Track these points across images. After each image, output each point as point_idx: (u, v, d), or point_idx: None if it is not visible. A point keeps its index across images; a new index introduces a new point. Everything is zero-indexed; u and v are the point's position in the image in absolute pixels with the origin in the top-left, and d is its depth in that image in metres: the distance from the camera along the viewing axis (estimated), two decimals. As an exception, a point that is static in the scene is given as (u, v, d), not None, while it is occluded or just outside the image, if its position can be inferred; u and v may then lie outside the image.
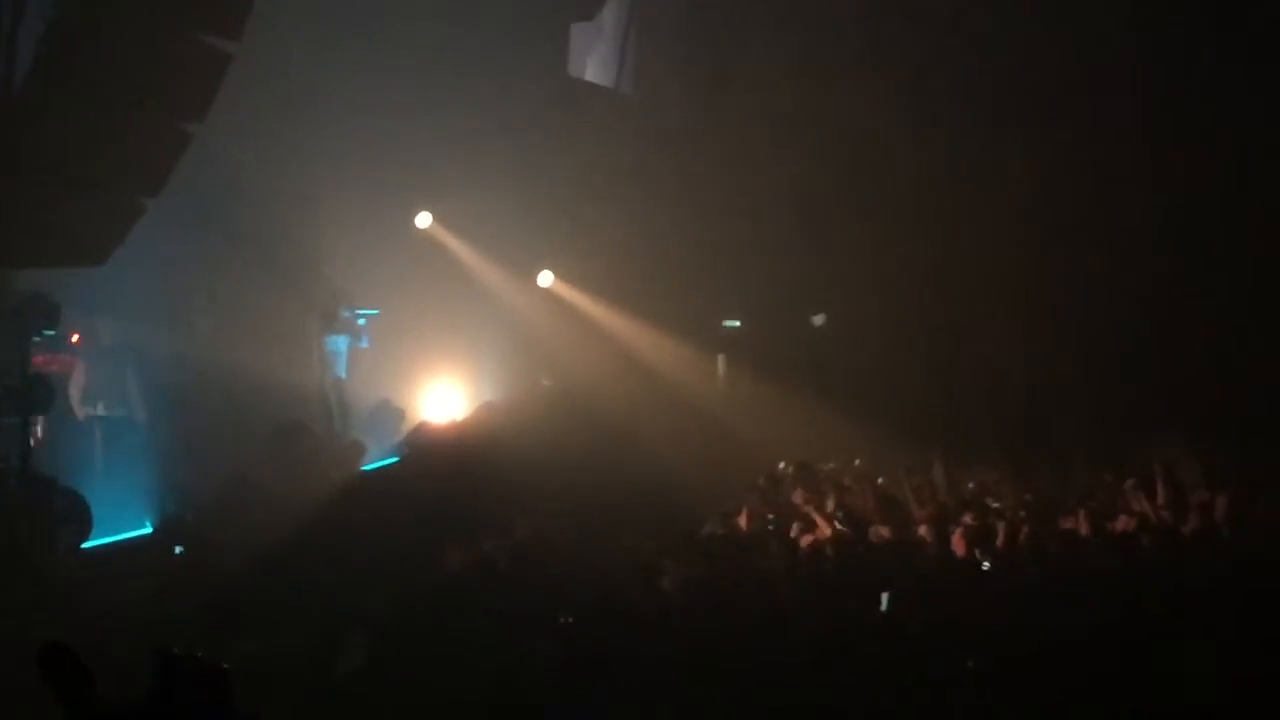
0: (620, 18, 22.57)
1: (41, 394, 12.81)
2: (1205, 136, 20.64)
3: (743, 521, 12.87)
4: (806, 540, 11.98)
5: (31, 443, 12.80)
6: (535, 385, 20.68)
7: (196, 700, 5.64)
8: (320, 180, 17.46)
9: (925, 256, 21.64)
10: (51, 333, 13.72)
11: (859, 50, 21.75)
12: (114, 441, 16.08)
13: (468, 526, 12.04)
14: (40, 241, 12.48)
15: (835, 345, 22.35)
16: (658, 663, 8.93)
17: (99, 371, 16.18)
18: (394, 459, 16.36)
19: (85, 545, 12.41)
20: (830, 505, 13.00)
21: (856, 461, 16.46)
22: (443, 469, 14.86)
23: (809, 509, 12.91)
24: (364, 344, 18.32)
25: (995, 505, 13.86)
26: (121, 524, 13.24)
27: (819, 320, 23.59)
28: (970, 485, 15.68)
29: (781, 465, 15.54)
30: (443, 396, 19.80)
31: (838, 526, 12.13)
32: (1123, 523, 12.36)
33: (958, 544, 11.53)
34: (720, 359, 23.14)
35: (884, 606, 10.09)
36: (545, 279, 21.18)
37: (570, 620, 9.64)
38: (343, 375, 17.94)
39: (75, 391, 15.97)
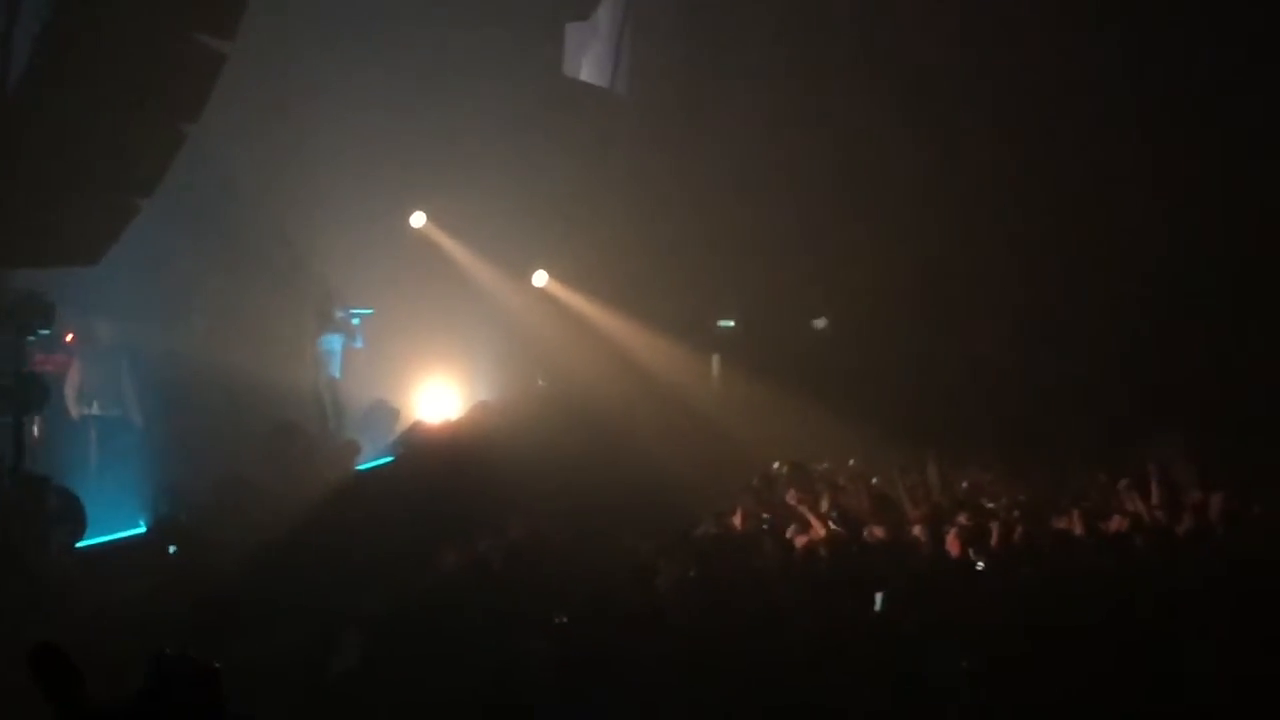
0: (616, 17, 22.56)
1: (36, 393, 12.81)
2: (1203, 137, 20.65)
3: (737, 521, 12.88)
4: (801, 540, 11.99)
5: (29, 441, 12.81)
6: (530, 385, 20.66)
7: (187, 700, 5.64)
8: (315, 180, 17.45)
9: (921, 257, 21.66)
10: (46, 332, 13.72)
11: (855, 50, 21.77)
12: (108, 441, 16.08)
13: (462, 526, 12.04)
14: (34, 241, 12.48)
15: (830, 345, 22.36)
16: (653, 663, 8.93)
17: (94, 371, 16.17)
18: (388, 459, 16.33)
19: (79, 545, 12.39)
20: (825, 505, 13.00)
21: (851, 461, 16.46)
22: (437, 469, 14.85)
23: (802, 509, 12.92)
24: (358, 344, 18.29)
25: (990, 505, 13.88)
26: (115, 523, 13.23)
27: (820, 324, 23.59)
28: (964, 485, 15.71)
29: (776, 465, 15.55)
30: (437, 396, 19.78)
31: (832, 526, 12.14)
32: (1116, 523, 12.39)
33: (952, 544, 11.54)
34: (715, 359, 23.12)
35: (878, 606, 10.10)
36: (540, 279, 21.17)
37: (565, 620, 9.65)
38: (337, 375, 17.90)
39: (71, 391, 15.97)
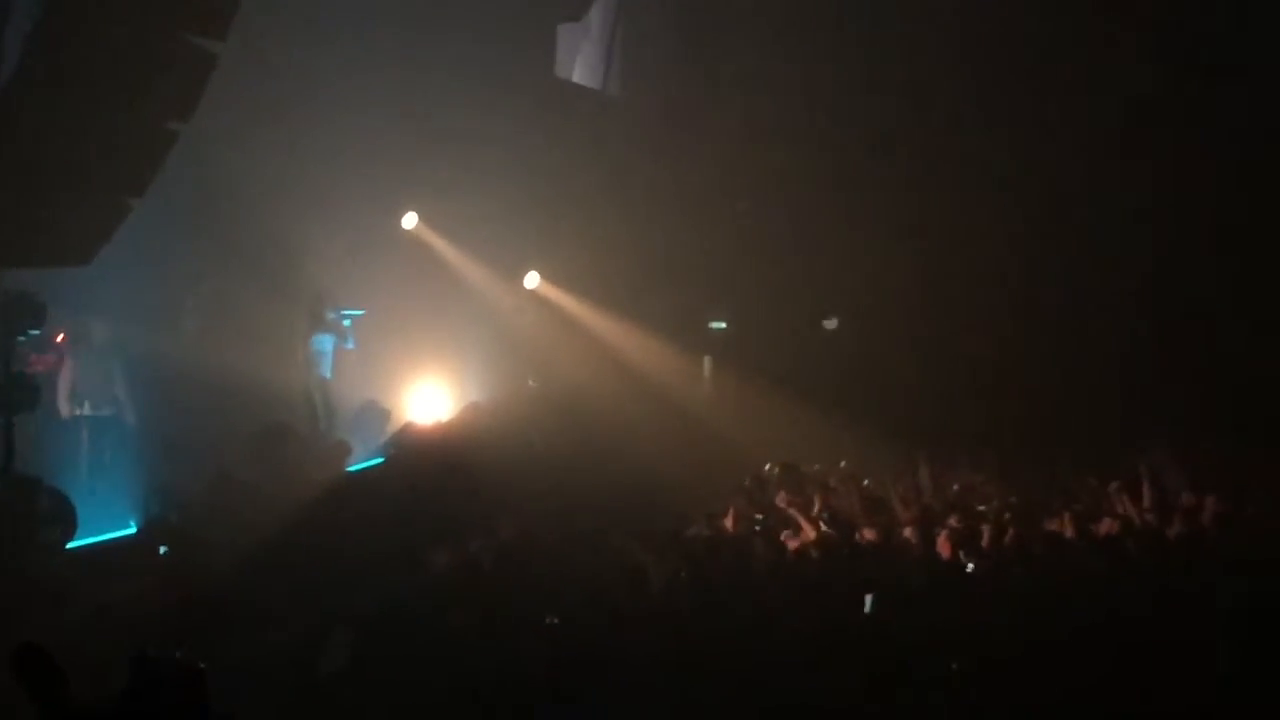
0: (607, 19, 22.58)
1: (26, 394, 12.78)
2: (1202, 139, 20.69)
3: (729, 523, 12.88)
4: (792, 542, 11.99)
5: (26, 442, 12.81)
6: (521, 386, 20.67)
7: (171, 701, 5.63)
8: (307, 180, 17.43)
9: (914, 259, 21.70)
10: (37, 332, 13.70)
11: (848, 50, 21.80)
12: (100, 441, 16.06)
13: (453, 527, 12.03)
14: (26, 240, 12.43)
15: (822, 347, 22.39)
16: (644, 663, 8.94)
17: (87, 371, 16.15)
18: (379, 460, 16.34)
19: (70, 545, 12.38)
20: (816, 507, 13.01)
21: (842, 463, 16.47)
22: (428, 470, 14.84)
23: (793, 511, 12.92)
24: (350, 345, 18.26)
25: (981, 508, 13.90)
26: (106, 524, 13.21)
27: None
28: (955, 487, 15.73)
29: (768, 467, 15.56)
30: (428, 397, 19.78)
31: (823, 528, 12.14)
32: (1107, 525, 12.40)
33: (943, 546, 11.55)
34: (706, 360, 23.16)
35: (868, 608, 10.11)
36: (532, 280, 21.17)
37: (556, 621, 9.65)
38: (328, 375, 17.88)
39: (63, 391, 15.94)
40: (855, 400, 19.98)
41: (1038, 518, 13.15)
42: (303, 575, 10.84)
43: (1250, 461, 15.51)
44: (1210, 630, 9.57)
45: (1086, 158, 21.41)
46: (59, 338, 16.00)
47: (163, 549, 12.20)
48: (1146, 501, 13.25)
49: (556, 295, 21.29)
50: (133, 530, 13.14)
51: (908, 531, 12.26)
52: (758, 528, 12.83)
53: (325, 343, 17.82)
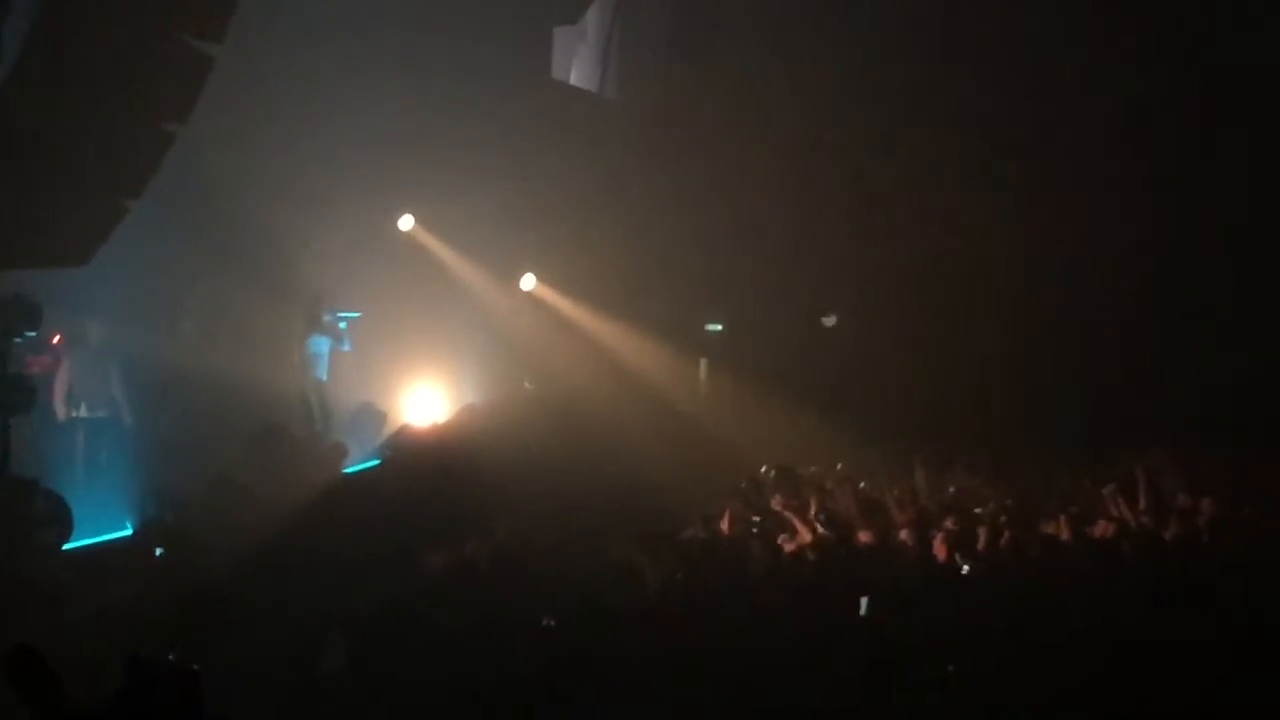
0: (604, 22, 22.61)
1: (22, 395, 12.78)
2: (1201, 140, 20.71)
3: (725, 525, 12.87)
4: (788, 545, 11.99)
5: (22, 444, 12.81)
6: (517, 388, 20.67)
7: (165, 702, 5.63)
8: (304, 182, 17.45)
9: (910, 260, 21.71)
10: (33, 334, 13.70)
11: (844, 51, 21.81)
12: (96, 442, 16.06)
13: (449, 529, 12.02)
14: (23, 241, 12.44)
15: (818, 349, 22.38)
16: (640, 665, 8.93)
17: (84, 372, 16.15)
18: (375, 461, 16.34)
19: (66, 547, 12.37)
20: (813, 509, 13.00)
21: (838, 465, 16.47)
22: (424, 471, 14.84)
23: (788, 513, 12.91)
24: (346, 347, 18.28)
25: (977, 510, 13.90)
26: (102, 526, 13.21)
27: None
28: (951, 490, 15.73)
29: (763, 469, 15.56)
30: (424, 399, 19.79)
31: (819, 530, 12.14)
32: (1102, 528, 12.41)
33: (939, 548, 11.55)
34: (703, 363, 23.16)
35: (864, 610, 10.11)
36: (528, 282, 21.17)
37: (552, 623, 9.64)
38: (324, 377, 17.89)
39: (59, 392, 15.94)
40: (851, 402, 19.99)
41: (1034, 520, 13.14)
42: (299, 576, 10.83)
43: (1248, 463, 15.50)
44: (1206, 632, 9.57)
45: (1084, 159, 21.42)
46: (55, 339, 16.00)
47: (159, 550, 12.19)
48: (1142, 504, 13.26)
49: (553, 297, 21.29)
50: (129, 532, 13.14)
51: (904, 534, 12.26)
52: (755, 530, 12.82)
53: (321, 345, 17.83)
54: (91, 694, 5.84)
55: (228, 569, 11.08)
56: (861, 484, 15.16)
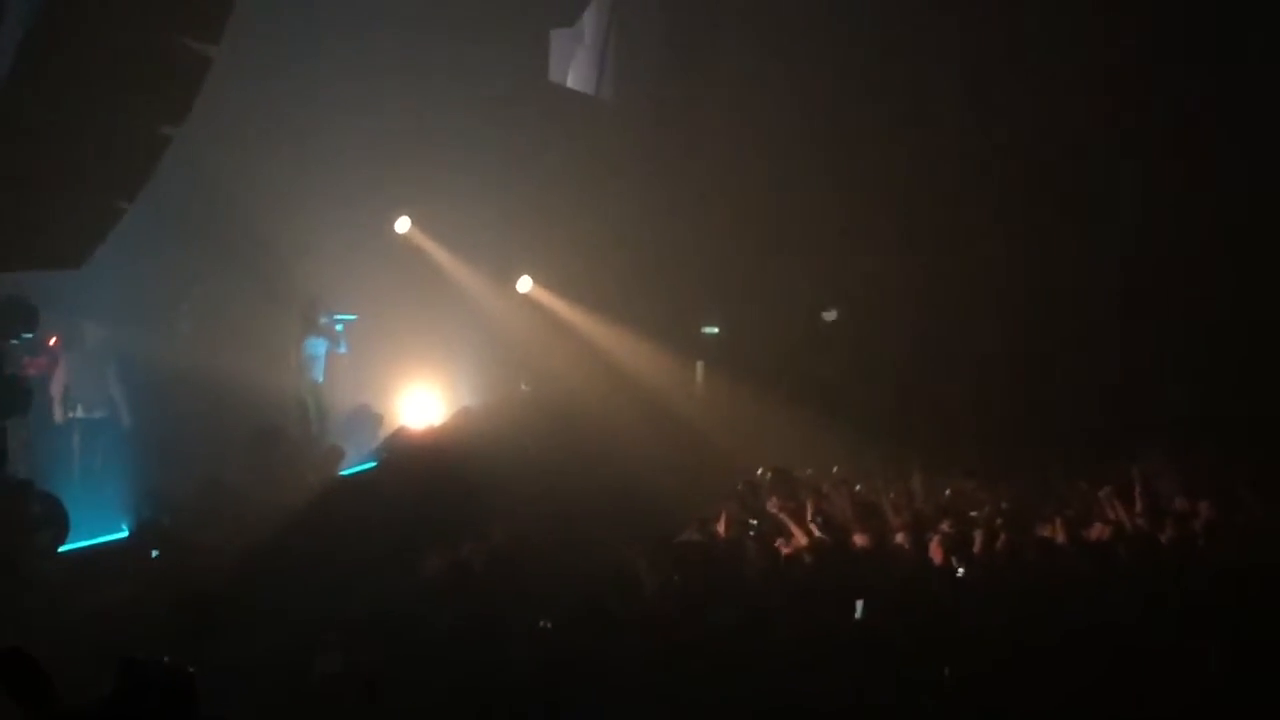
0: (601, 24, 22.61)
1: (18, 397, 12.78)
2: (1199, 143, 20.70)
3: (721, 527, 12.87)
4: (785, 548, 11.99)
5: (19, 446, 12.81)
6: (513, 391, 20.68)
7: (158, 705, 5.62)
8: (300, 185, 17.45)
9: (907, 262, 21.70)
10: (29, 335, 13.70)
11: (841, 52, 21.80)
12: (92, 444, 16.07)
13: (445, 531, 12.02)
14: (19, 243, 12.44)
15: (814, 352, 22.39)
16: (636, 667, 8.93)
17: (81, 373, 16.15)
18: (372, 464, 16.33)
19: (61, 549, 12.36)
20: (809, 512, 13.00)
21: (835, 468, 16.47)
22: (420, 474, 14.82)
23: (783, 516, 12.92)
24: (342, 349, 18.27)
25: (973, 514, 13.90)
26: (98, 528, 13.20)
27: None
28: (947, 492, 15.73)
29: (759, 471, 15.56)
30: (421, 402, 19.78)
31: (816, 533, 12.14)
32: (1097, 530, 12.42)
33: (935, 552, 11.56)
34: (699, 365, 23.16)
35: (859, 614, 10.12)
36: (524, 284, 21.17)
37: (548, 625, 9.64)
38: (321, 380, 17.89)
39: (56, 393, 15.94)
40: (848, 405, 20.00)
41: (1029, 523, 13.15)
42: (295, 579, 10.83)
43: (1247, 464, 15.49)
44: (1202, 635, 9.58)
45: (1081, 161, 21.42)
46: (52, 341, 15.99)
47: (154, 553, 12.19)
48: (1139, 507, 13.27)
49: (549, 300, 21.29)
50: (125, 534, 13.13)
51: (900, 537, 12.27)
52: (752, 533, 12.82)
53: (318, 347, 17.83)
54: (85, 696, 5.83)
55: (224, 571, 11.07)
56: (857, 487, 15.17)
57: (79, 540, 12.61)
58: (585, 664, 8.90)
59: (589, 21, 22.57)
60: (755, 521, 13.20)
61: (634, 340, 21.30)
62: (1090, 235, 21.28)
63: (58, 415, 15.92)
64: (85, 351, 16.23)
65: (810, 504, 13.34)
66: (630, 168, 21.31)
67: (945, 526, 12.43)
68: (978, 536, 11.95)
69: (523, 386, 20.87)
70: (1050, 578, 11.08)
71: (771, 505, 13.63)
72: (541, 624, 9.68)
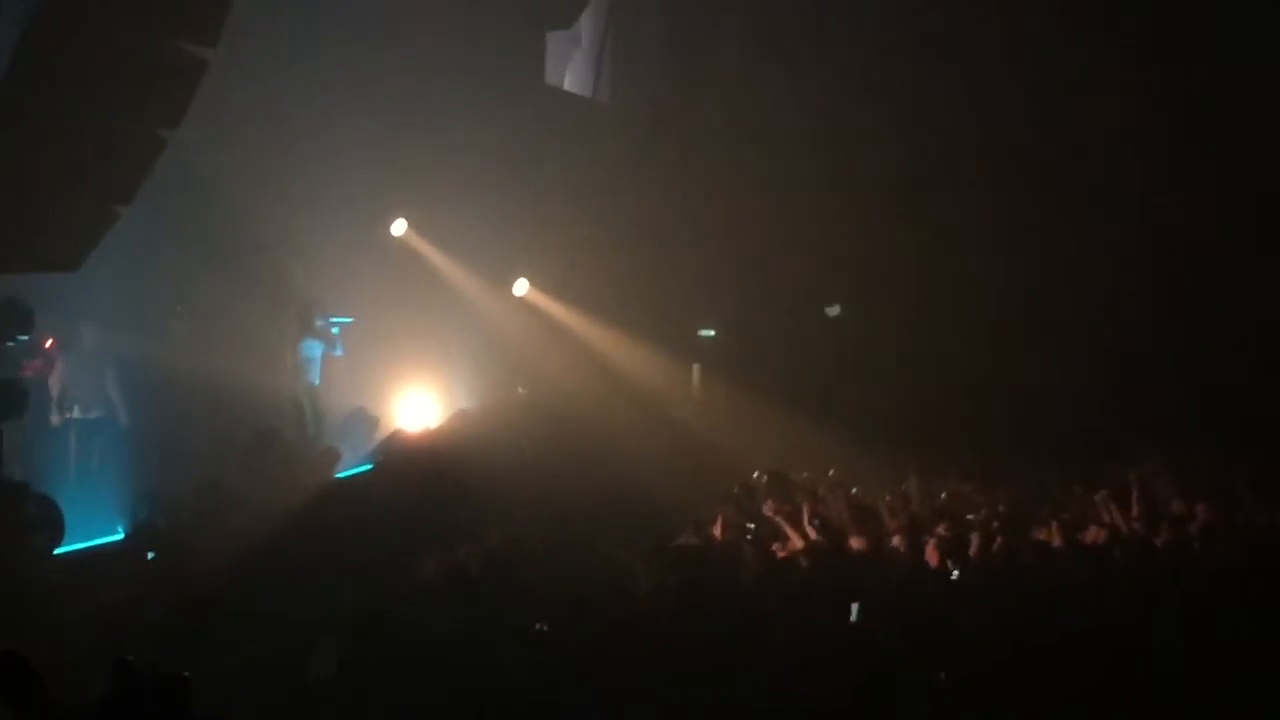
0: (598, 27, 22.60)
1: (14, 400, 12.77)
2: (1199, 142, 20.71)
3: (717, 531, 12.87)
4: (780, 550, 11.99)
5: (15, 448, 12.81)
6: (510, 394, 20.67)
7: (152, 709, 5.61)
8: (296, 187, 17.43)
9: (903, 265, 21.71)
10: (25, 338, 13.69)
11: (837, 54, 21.81)
12: (88, 444, 16.08)
13: (441, 534, 12.02)
14: (14, 246, 12.43)
15: (811, 355, 22.38)
16: (632, 671, 8.93)
17: (78, 374, 16.16)
18: (368, 466, 16.33)
19: (57, 551, 12.36)
20: (806, 515, 13.00)
21: (830, 471, 16.48)
22: (416, 477, 14.83)
23: (779, 519, 12.92)
24: (339, 352, 18.27)
25: (969, 517, 13.91)
26: (94, 530, 13.20)
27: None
28: (943, 496, 15.74)
29: (755, 475, 15.57)
30: (417, 404, 19.79)
31: (812, 536, 12.15)
32: (1093, 533, 12.42)
33: (931, 555, 11.56)
34: (695, 368, 23.16)
35: (854, 617, 10.11)
36: (521, 287, 21.17)
37: (544, 628, 9.64)
38: (317, 382, 17.89)
39: (54, 395, 15.95)
40: (844, 408, 20.00)
41: (1026, 526, 13.16)
42: (290, 581, 10.83)
43: (1247, 466, 15.50)
44: (1198, 638, 9.58)
45: (1078, 165, 21.44)
46: (48, 343, 15.98)
47: (150, 555, 12.19)
48: (1135, 510, 13.27)
49: (545, 303, 21.30)
50: (121, 536, 13.13)
51: (896, 540, 12.27)
52: (749, 537, 12.82)
53: (314, 349, 17.83)
54: (78, 700, 5.82)
55: (220, 573, 11.07)
56: (854, 490, 15.17)
57: (75, 542, 12.62)
58: (581, 667, 8.91)
59: (586, 24, 22.56)
60: (753, 526, 13.19)
61: (630, 343, 21.31)
62: (1090, 236, 21.27)
63: (54, 418, 15.91)
64: (82, 352, 16.23)
65: (807, 507, 13.34)
66: (627, 171, 21.31)
67: (941, 530, 12.43)
68: (974, 540, 11.94)
69: (519, 389, 20.87)
70: (1046, 581, 11.07)
71: (767, 509, 13.63)
72: (538, 627, 9.68)
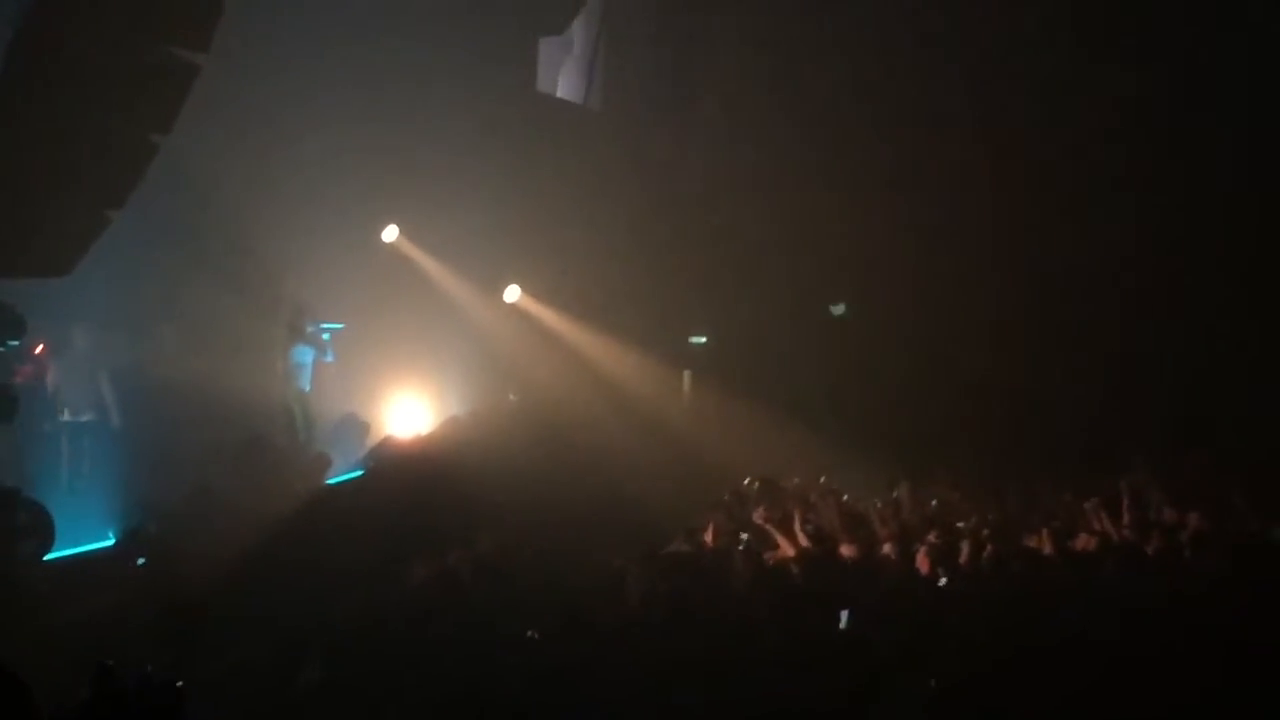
0: (589, 33, 22.61)
1: (4, 405, 12.74)
2: (1199, 144, 20.73)
3: (708, 538, 12.87)
4: (771, 557, 12.00)
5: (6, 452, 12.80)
6: (501, 400, 20.67)
7: (136, 714, 5.58)
8: (287, 193, 17.41)
9: (897, 272, 21.71)
10: (15, 343, 13.66)
11: (833, 60, 21.81)
12: (78, 446, 16.07)
13: (432, 540, 12.01)
14: (4, 251, 12.40)
15: (802, 361, 22.39)
16: (623, 678, 8.93)
17: (70, 378, 16.15)
18: (358, 473, 16.32)
19: (47, 558, 12.33)
20: (797, 521, 13.00)
21: (822, 479, 16.48)
22: (408, 483, 14.83)
23: (769, 527, 12.92)
24: (329, 358, 18.27)
25: (960, 524, 13.91)
26: (85, 536, 13.18)
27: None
28: (934, 503, 15.75)
29: (746, 481, 15.57)
30: (408, 411, 19.78)
31: (802, 543, 12.15)
32: (1083, 541, 12.43)
33: (922, 562, 11.56)
34: (686, 375, 23.16)
35: (843, 624, 10.11)
36: (512, 294, 21.16)
37: (535, 635, 9.64)
38: (307, 388, 17.89)
39: (52, 397, 15.96)
40: (835, 415, 20.01)
41: (1016, 534, 13.16)
42: (281, 587, 10.82)
43: (1240, 473, 15.50)
44: (1187, 646, 9.58)
45: (1075, 168, 21.44)
46: (38, 349, 15.95)
47: (141, 560, 12.17)
48: (1125, 519, 13.28)
49: (537, 309, 21.29)
50: (111, 542, 13.11)
51: (887, 547, 12.27)
52: (742, 547, 12.81)
53: (305, 355, 17.82)
54: (61, 706, 5.79)
55: (210, 579, 11.05)
56: (845, 497, 15.18)
57: (66, 548, 12.60)
58: (572, 674, 8.90)
59: (578, 31, 22.58)
60: (745, 536, 13.19)
61: (621, 350, 21.31)
62: (1089, 236, 21.26)
63: (47, 425, 15.90)
64: (73, 355, 16.22)
65: (798, 514, 13.35)
66: (618, 177, 21.31)
67: (932, 537, 12.44)
68: (964, 547, 11.95)
69: (510, 396, 20.87)
70: (1036, 588, 11.08)
71: (758, 516, 13.63)
72: (529, 634, 9.67)
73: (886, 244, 21.53)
